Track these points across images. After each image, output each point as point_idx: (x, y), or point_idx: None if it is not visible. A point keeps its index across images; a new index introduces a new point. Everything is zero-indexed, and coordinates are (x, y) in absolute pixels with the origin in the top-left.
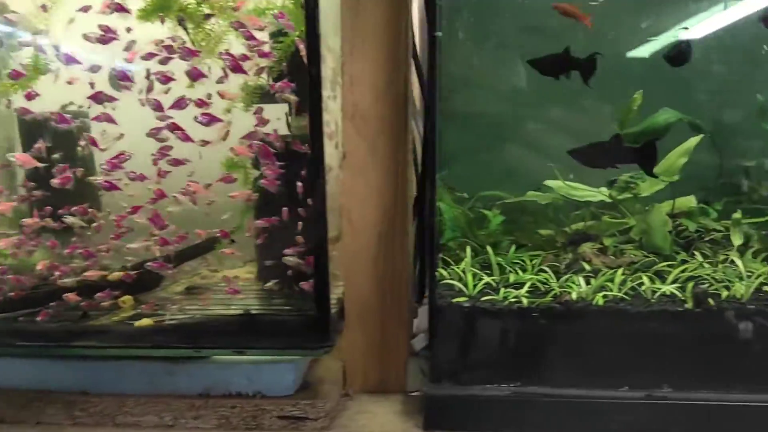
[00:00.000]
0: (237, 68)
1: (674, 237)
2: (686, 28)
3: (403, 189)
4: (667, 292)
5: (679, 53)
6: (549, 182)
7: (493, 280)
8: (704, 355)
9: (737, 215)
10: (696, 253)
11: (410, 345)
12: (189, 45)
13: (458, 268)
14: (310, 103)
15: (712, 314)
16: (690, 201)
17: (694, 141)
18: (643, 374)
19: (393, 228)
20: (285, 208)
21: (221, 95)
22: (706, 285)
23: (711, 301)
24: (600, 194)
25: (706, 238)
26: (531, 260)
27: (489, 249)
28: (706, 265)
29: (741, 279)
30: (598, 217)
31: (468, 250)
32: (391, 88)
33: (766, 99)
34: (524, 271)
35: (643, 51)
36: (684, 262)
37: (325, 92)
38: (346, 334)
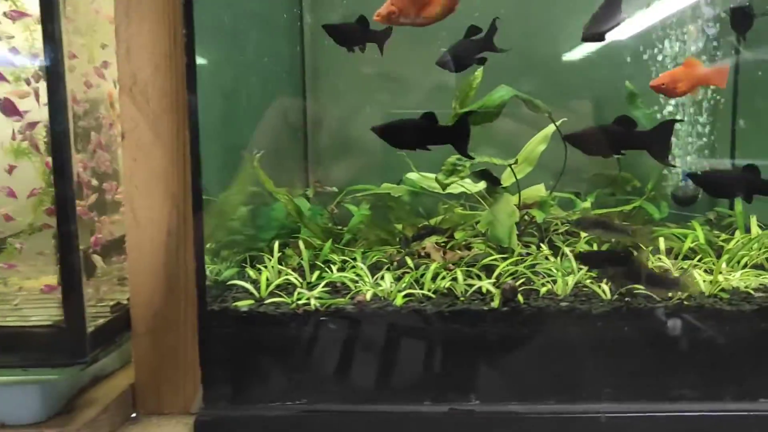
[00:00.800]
0: None
1: (533, 230)
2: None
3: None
4: (484, 289)
5: (453, 60)
6: (409, 174)
7: (297, 279)
8: (515, 360)
9: (586, 205)
10: (543, 246)
11: None
12: None
13: (264, 267)
14: (46, 69)
15: (520, 313)
16: (539, 190)
17: (551, 128)
18: (448, 385)
19: (185, 222)
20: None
21: None
22: (520, 281)
23: (520, 298)
24: (462, 186)
25: (561, 230)
26: (368, 257)
27: (301, 245)
28: (552, 259)
29: (568, 274)
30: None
31: (276, 246)
32: (174, 57)
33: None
34: (343, 270)
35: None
36: (528, 255)
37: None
38: (134, 346)
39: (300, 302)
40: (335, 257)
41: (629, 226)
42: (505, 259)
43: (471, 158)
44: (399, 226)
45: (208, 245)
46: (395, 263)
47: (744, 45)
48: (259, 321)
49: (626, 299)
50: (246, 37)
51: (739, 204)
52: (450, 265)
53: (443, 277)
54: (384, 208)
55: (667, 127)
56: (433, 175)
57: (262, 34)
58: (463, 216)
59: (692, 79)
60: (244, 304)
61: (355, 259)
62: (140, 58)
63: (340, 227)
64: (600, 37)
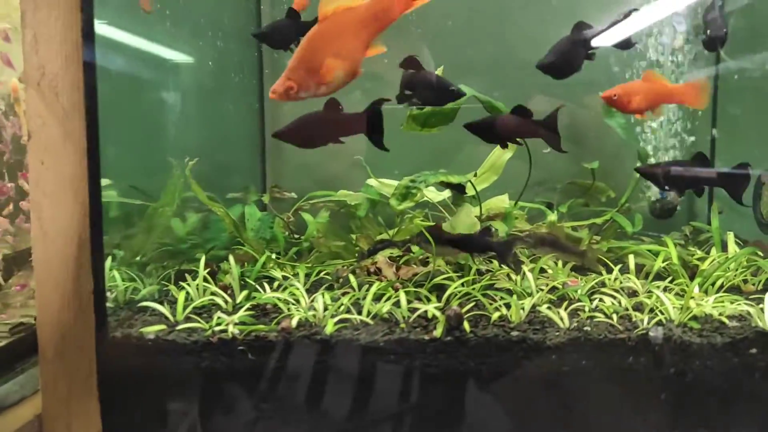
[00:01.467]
0: None
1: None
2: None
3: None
4: (429, 314)
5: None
6: (368, 181)
7: (223, 300)
8: (458, 398)
9: (552, 218)
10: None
11: None
12: None
13: (188, 285)
14: None
15: (464, 344)
16: (502, 201)
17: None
18: (383, 424)
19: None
20: None
21: None
22: (471, 304)
23: (467, 325)
24: (424, 194)
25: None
26: (313, 273)
27: (231, 261)
28: (514, 277)
29: (525, 296)
30: (428, 219)
31: (202, 261)
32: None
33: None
34: (282, 288)
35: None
36: (487, 272)
37: None
38: (42, 372)
39: (218, 328)
40: (276, 273)
41: (577, 247)
42: (461, 277)
43: (385, 149)
44: (354, 238)
45: (137, 258)
46: (341, 280)
47: (723, 55)
48: (167, 350)
49: (585, 328)
50: (193, 38)
51: (715, 219)
52: (397, 284)
53: (389, 298)
54: (345, 217)
55: (554, 116)
56: (394, 183)
57: (214, 34)
58: (423, 227)
59: (652, 95)
60: (151, 330)
61: (297, 275)
62: (49, 48)
63: (297, 236)
64: (556, 72)
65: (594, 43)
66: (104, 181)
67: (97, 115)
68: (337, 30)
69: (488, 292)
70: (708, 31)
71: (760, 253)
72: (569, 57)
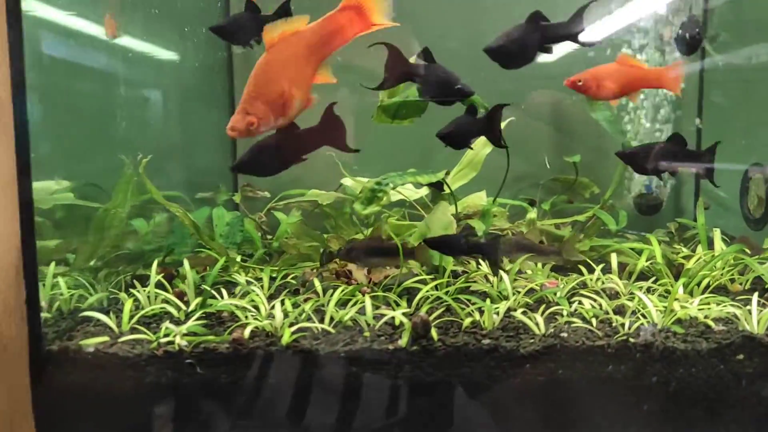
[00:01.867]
0: None
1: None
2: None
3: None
4: (397, 321)
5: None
6: (343, 180)
7: (175, 308)
8: (423, 413)
9: (532, 215)
10: (482, 262)
11: None
12: None
13: (141, 291)
14: None
15: (431, 353)
16: (480, 198)
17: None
18: None
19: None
20: None
21: None
22: (440, 310)
23: (434, 333)
24: (400, 192)
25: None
26: (278, 277)
27: (186, 266)
28: (491, 278)
29: (500, 299)
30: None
31: (155, 266)
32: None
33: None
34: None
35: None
36: (463, 273)
37: None
38: None
39: (165, 339)
40: (240, 277)
41: (552, 247)
42: (435, 279)
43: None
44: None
45: (90, 263)
46: (307, 284)
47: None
48: (108, 364)
49: (562, 334)
50: (158, 31)
51: (701, 215)
52: (365, 288)
53: (354, 304)
54: (320, 217)
55: (496, 111)
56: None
57: (180, 28)
58: (397, 227)
59: (625, 79)
60: (91, 343)
61: (261, 280)
62: None
63: (270, 237)
64: (505, 59)
65: (552, 36)
66: (63, 183)
67: (26, 108)
68: (288, 56)
69: (461, 296)
70: (680, 31)
71: (747, 251)
72: (520, 44)
